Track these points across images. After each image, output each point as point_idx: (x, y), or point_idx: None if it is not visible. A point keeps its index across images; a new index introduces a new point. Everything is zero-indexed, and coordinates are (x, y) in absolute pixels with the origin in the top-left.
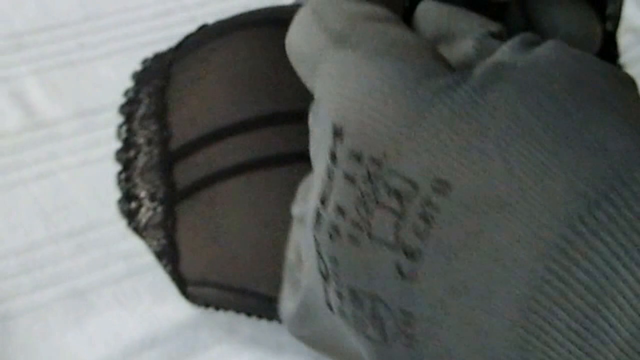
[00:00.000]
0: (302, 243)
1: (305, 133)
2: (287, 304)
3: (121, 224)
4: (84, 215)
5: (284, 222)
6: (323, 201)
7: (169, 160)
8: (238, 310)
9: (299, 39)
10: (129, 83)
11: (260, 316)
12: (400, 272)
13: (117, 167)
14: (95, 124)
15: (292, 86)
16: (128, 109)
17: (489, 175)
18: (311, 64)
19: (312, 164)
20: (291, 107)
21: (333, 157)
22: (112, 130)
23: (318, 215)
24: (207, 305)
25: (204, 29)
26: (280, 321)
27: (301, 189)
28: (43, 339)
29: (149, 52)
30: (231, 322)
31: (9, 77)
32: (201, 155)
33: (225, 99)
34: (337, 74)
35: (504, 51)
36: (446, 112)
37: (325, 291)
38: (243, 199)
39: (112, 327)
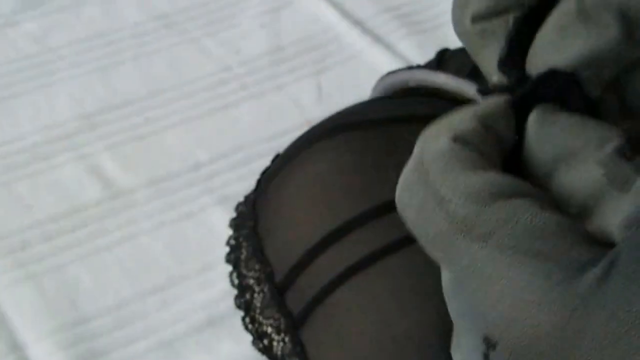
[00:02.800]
0: None
1: (387, 226)
2: None
3: (198, 277)
4: (165, 272)
5: (396, 318)
6: None
7: (278, 292)
8: None
9: (417, 215)
10: (193, 150)
11: None
12: None
13: (233, 292)
14: (166, 190)
15: (367, 187)
16: (233, 257)
17: None
18: (437, 244)
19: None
20: (371, 205)
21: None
22: (182, 193)
23: None
24: None
25: (275, 159)
26: None
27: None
28: None
29: (208, 121)
30: None
31: (85, 155)
32: (303, 278)
33: (307, 219)
34: (474, 276)
35: None
36: (603, 317)
37: None
38: (354, 305)
39: None
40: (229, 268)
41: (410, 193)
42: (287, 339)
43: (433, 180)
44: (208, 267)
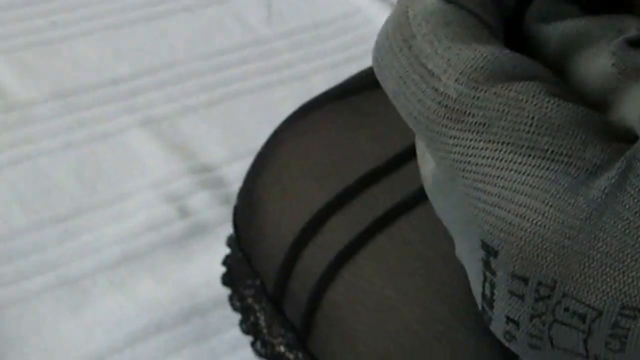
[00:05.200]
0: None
1: (364, 206)
2: None
3: (112, 207)
4: (69, 200)
5: (399, 304)
6: (487, 303)
7: (273, 303)
8: None
9: (398, 85)
10: (110, 63)
11: None
12: None
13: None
14: (75, 106)
15: (335, 170)
16: (228, 278)
17: None
18: (422, 126)
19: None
20: (343, 187)
21: (488, 267)
22: (95, 111)
23: (484, 310)
24: None
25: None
26: None
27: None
28: (35, 330)
29: (132, 30)
30: None
31: None
32: (293, 281)
33: (282, 215)
34: (467, 173)
35: None
36: (619, 226)
37: None
38: (350, 300)
39: (111, 315)
40: (149, 198)
41: (390, 57)
42: (300, 355)
43: (420, 47)
44: (124, 196)
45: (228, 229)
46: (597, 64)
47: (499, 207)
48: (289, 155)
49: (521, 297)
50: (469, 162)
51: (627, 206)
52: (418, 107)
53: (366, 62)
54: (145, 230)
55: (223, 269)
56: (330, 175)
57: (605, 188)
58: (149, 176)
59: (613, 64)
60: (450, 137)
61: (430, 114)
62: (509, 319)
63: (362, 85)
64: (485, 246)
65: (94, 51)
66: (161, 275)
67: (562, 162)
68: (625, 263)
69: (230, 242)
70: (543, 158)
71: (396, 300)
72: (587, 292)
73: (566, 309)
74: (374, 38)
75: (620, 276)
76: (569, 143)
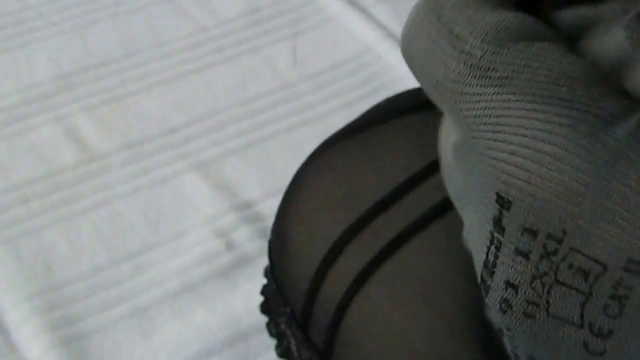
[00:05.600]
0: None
1: (372, 238)
2: None
3: (172, 243)
4: (139, 238)
5: (408, 328)
6: (487, 271)
7: (301, 329)
8: None
9: (425, 56)
10: (169, 113)
11: None
12: (587, 349)
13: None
14: (141, 154)
15: (349, 203)
16: (265, 307)
17: None
18: (446, 90)
19: (457, 207)
20: (355, 219)
21: (498, 225)
22: (157, 158)
23: (483, 280)
24: None
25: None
26: None
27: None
28: (115, 355)
29: (183, 83)
30: None
31: (62, 116)
32: (316, 308)
33: (305, 248)
34: (488, 126)
35: None
36: (633, 175)
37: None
38: (364, 328)
39: (172, 341)
40: (201, 234)
41: (419, 31)
42: None
43: (447, 16)
44: (181, 233)
45: (266, 260)
46: (609, 39)
47: (518, 155)
48: (309, 191)
49: (526, 256)
50: (491, 115)
51: (636, 169)
52: (444, 70)
53: (376, 99)
54: (199, 263)
55: (261, 298)
56: (342, 207)
57: (621, 137)
58: (201, 214)
59: (626, 37)
60: (474, 94)
61: (455, 75)
62: (508, 285)
63: (369, 122)
64: (500, 199)
65: (155, 104)
66: (211, 304)
67: (581, 110)
68: (636, 213)
69: (266, 273)
70: (562, 106)
71: (402, 324)
72: (595, 244)
73: (570, 266)
74: (384, 75)
75: (630, 227)
76: (587, 93)
